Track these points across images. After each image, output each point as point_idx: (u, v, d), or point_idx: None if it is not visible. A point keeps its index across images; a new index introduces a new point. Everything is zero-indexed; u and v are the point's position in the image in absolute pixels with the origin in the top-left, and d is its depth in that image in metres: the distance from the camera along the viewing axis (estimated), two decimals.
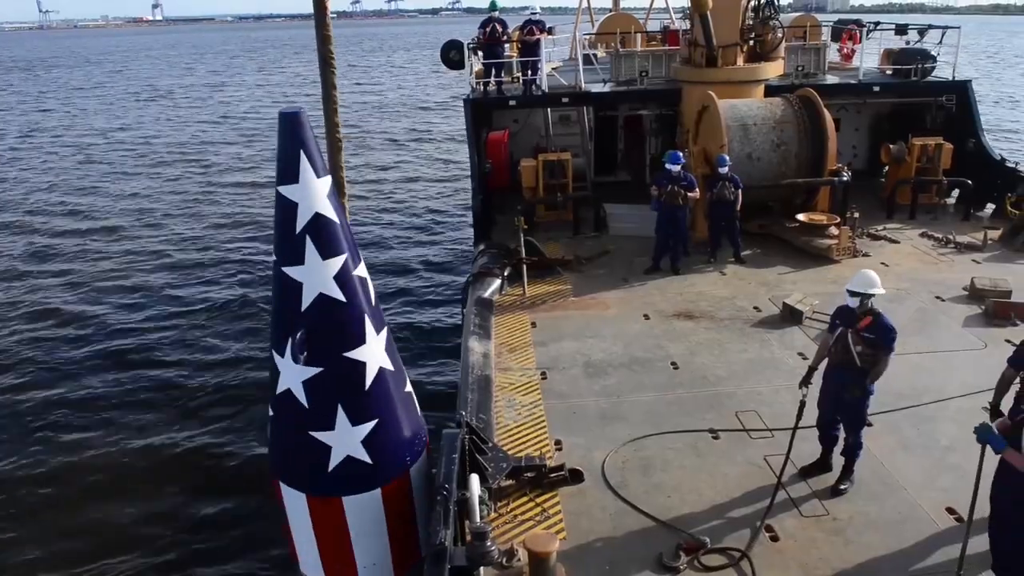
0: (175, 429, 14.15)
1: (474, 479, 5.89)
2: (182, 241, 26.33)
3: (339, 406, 5.28)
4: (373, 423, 5.38)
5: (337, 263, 5.10)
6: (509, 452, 7.75)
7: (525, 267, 12.84)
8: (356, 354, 5.23)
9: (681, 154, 13.50)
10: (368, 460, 5.41)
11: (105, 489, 12.39)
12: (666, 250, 13.49)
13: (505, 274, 12.92)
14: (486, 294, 12.27)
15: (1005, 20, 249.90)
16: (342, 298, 5.13)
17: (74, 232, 27.56)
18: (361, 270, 5.34)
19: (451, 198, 31.47)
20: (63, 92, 78.67)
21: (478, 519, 5.65)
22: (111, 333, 18.46)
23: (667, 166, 13.13)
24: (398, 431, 5.61)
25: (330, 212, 5.06)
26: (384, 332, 5.53)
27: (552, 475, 7.55)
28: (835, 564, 6.48)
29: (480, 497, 5.84)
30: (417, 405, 5.92)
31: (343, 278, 5.13)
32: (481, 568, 5.21)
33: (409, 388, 5.85)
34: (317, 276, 5.07)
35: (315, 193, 4.99)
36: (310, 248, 5.03)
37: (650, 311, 11.89)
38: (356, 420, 5.32)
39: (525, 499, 7.37)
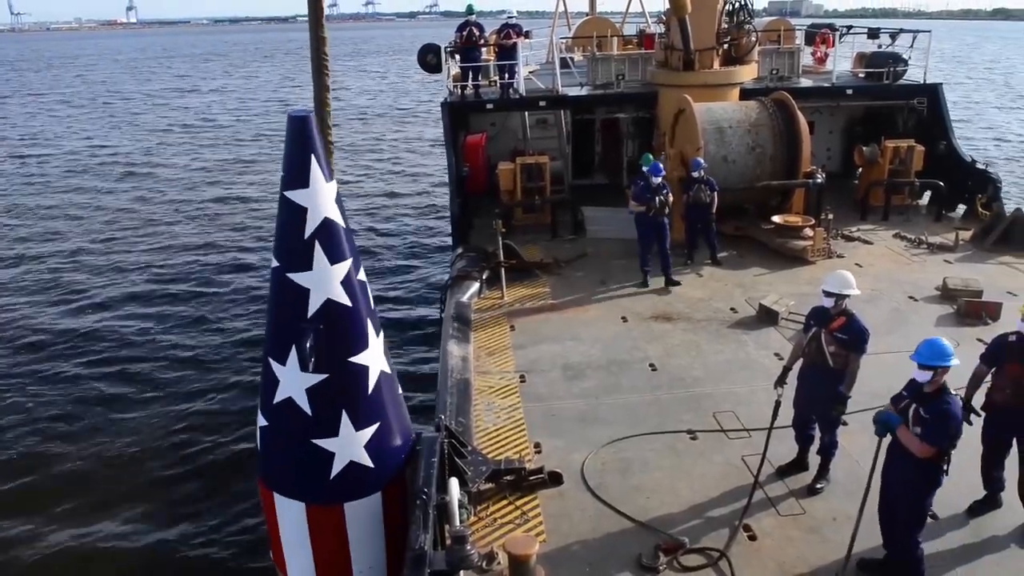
0: (159, 436, 14.04)
1: (453, 483, 5.88)
2: (159, 249, 26.08)
3: (343, 412, 5.27)
4: (375, 427, 5.40)
5: (344, 268, 5.09)
6: (488, 455, 7.77)
7: (503, 270, 12.84)
8: (360, 359, 5.24)
9: (661, 164, 13.30)
10: (370, 464, 5.43)
11: (91, 492, 12.32)
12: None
13: (484, 277, 12.92)
14: (464, 298, 12.27)
15: (975, 25, 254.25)
16: (348, 303, 5.12)
17: (31, 242, 27.07)
18: (362, 274, 5.33)
19: (429, 202, 31.42)
20: (22, 96, 76.95)
21: (458, 523, 5.63)
22: (91, 341, 18.27)
23: (651, 177, 12.82)
24: (396, 433, 5.65)
25: (338, 217, 5.05)
26: (382, 335, 5.55)
27: (531, 478, 7.57)
28: (812, 562, 6.54)
29: (460, 501, 5.83)
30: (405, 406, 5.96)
31: (348, 283, 5.12)
32: (461, 572, 5.20)
33: (400, 389, 5.87)
34: (325, 281, 5.04)
35: (324, 198, 4.96)
36: (319, 253, 4.99)
37: (628, 313, 11.95)
38: (360, 425, 5.33)
39: (505, 502, 7.38)
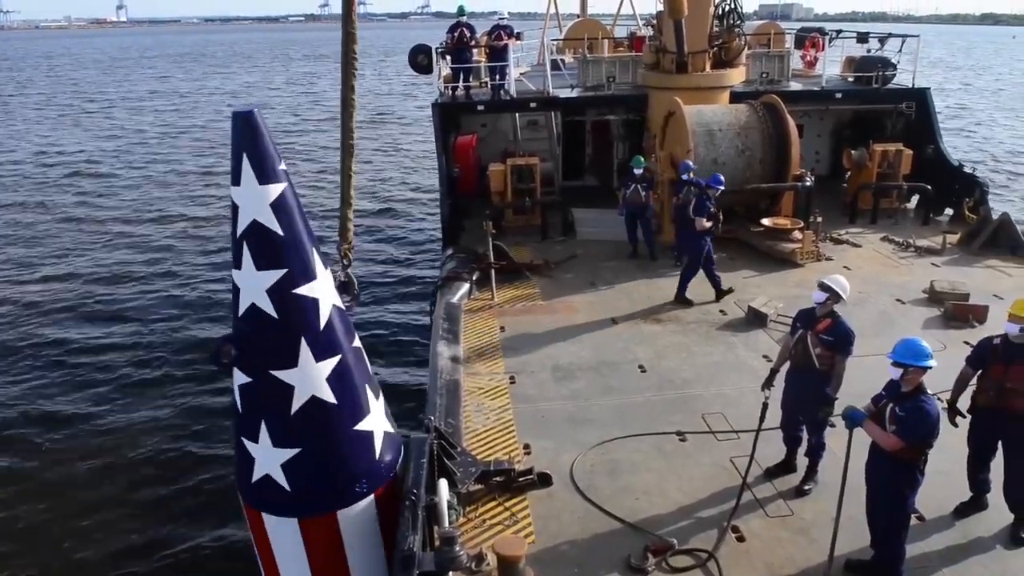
0: (150, 433, 14.02)
1: (443, 484, 5.89)
2: (152, 246, 25.96)
3: (263, 422, 5.07)
4: (295, 451, 5.08)
5: (271, 277, 4.81)
6: (478, 456, 7.76)
7: (493, 271, 12.85)
8: (284, 375, 4.95)
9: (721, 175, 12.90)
10: (286, 487, 5.13)
11: (83, 489, 12.31)
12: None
13: (473, 279, 12.92)
14: (455, 299, 12.26)
15: (964, 29, 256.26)
16: (273, 314, 4.85)
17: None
18: (311, 289, 4.94)
19: (419, 203, 31.39)
20: None
21: (447, 524, 5.65)
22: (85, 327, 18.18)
23: (712, 188, 12.40)
24: (328, 468, 5.21)
25: (271, 222, 4.75)
26: (332, 361, 5.10)
27: (521, 479, 7.57)
28: (800, 563, 6.57)
29: (449, 502, 5.84)
30: (377, 447, 5.43)
31: (278, 294, 4.84)
32: (450, 573, 5.21)
33: (365, 427, 5.34)
34: (251, 285, 4.86)
35: (254, 199, 4.75)
36: (246, 255, 4.81)
37: (618, 315, 11.97)
38: (277, 442, 5.08)
39: (494, 503, 7.37)
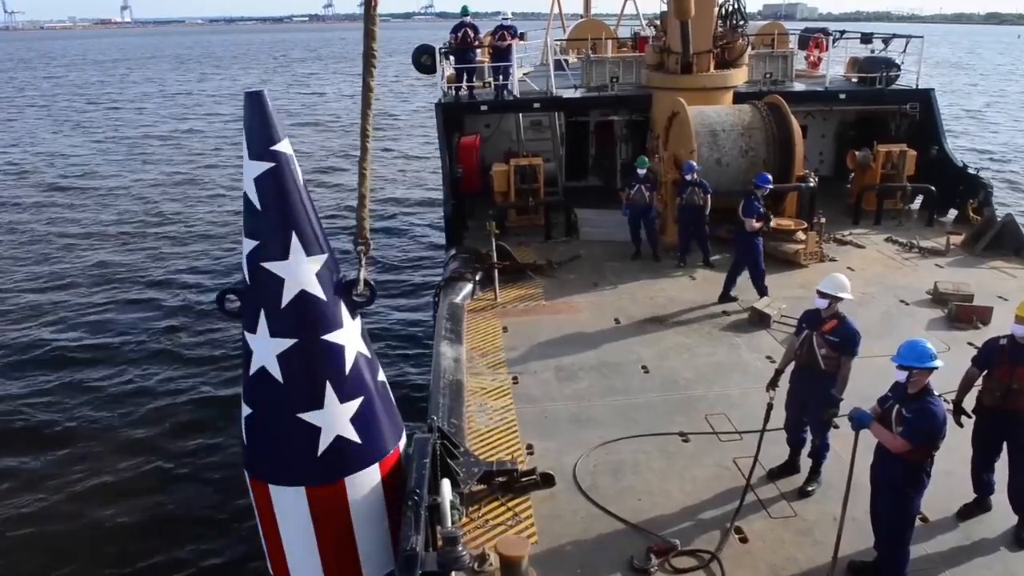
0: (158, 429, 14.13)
1: (445, 484, 5.89)
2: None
3: (242, 380, 5.48)
4: (249, 411, 5.43)
5: (248, 245, 5.15)
6: (481, 457, 7.77)
7: (497, 272, 12.85)
8: (248, 339, 5.30)
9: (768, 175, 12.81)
10: (244, 440, 5.56)
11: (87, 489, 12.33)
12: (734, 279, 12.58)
13: (477, 279, 12.92)
14: (458, 299, 12.26)
15: (968, 29, 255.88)
16: (248, 280, 5.20)
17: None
18: (278, 267, 5.05)
19: (422, 203, 31.40)
20: None
21: (449, 524, 5.64)
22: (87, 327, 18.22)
23: (759, 185, 12.36)
24: (265, 440, 5.40)
25: (253, 195, 5.06)
26: (286, 342, 5.15)
27: (524, 479, 7.57)
28: (803, 564, 6.56)
29: (451, 502, 5.84)
30: (320, 445, 5.28)
31: (251, 264, 5.14)
32: (452, 573, 5.20)
33: (311, 420, 5.25)
34: (244, 249, 5.21)
35: (246, 173, 5.09)
36: (243, 220, 5.24)
37: (621, 315, 11.97)
38: (244, 396, 5.46)
39: (497, 503, 7.38)
